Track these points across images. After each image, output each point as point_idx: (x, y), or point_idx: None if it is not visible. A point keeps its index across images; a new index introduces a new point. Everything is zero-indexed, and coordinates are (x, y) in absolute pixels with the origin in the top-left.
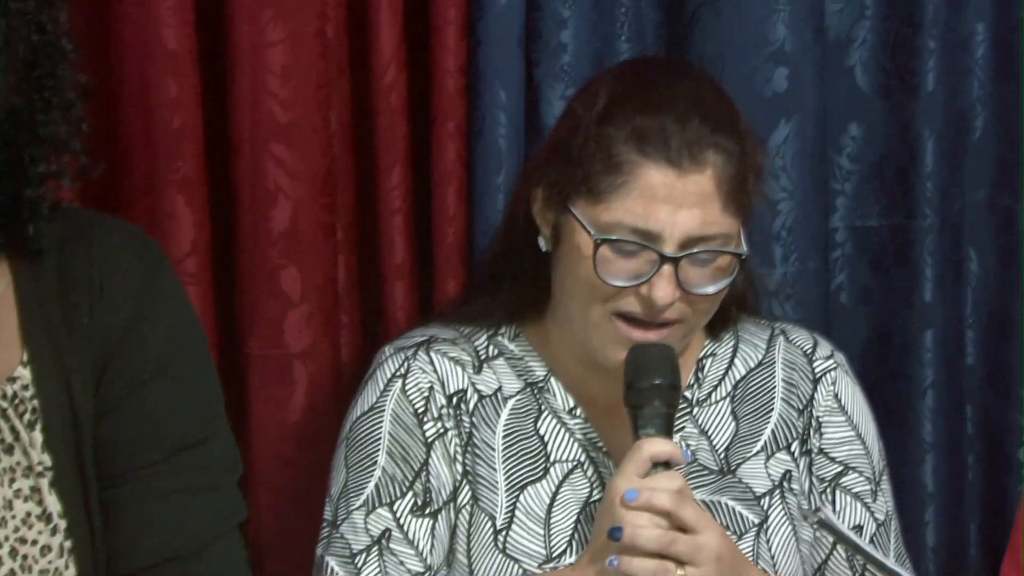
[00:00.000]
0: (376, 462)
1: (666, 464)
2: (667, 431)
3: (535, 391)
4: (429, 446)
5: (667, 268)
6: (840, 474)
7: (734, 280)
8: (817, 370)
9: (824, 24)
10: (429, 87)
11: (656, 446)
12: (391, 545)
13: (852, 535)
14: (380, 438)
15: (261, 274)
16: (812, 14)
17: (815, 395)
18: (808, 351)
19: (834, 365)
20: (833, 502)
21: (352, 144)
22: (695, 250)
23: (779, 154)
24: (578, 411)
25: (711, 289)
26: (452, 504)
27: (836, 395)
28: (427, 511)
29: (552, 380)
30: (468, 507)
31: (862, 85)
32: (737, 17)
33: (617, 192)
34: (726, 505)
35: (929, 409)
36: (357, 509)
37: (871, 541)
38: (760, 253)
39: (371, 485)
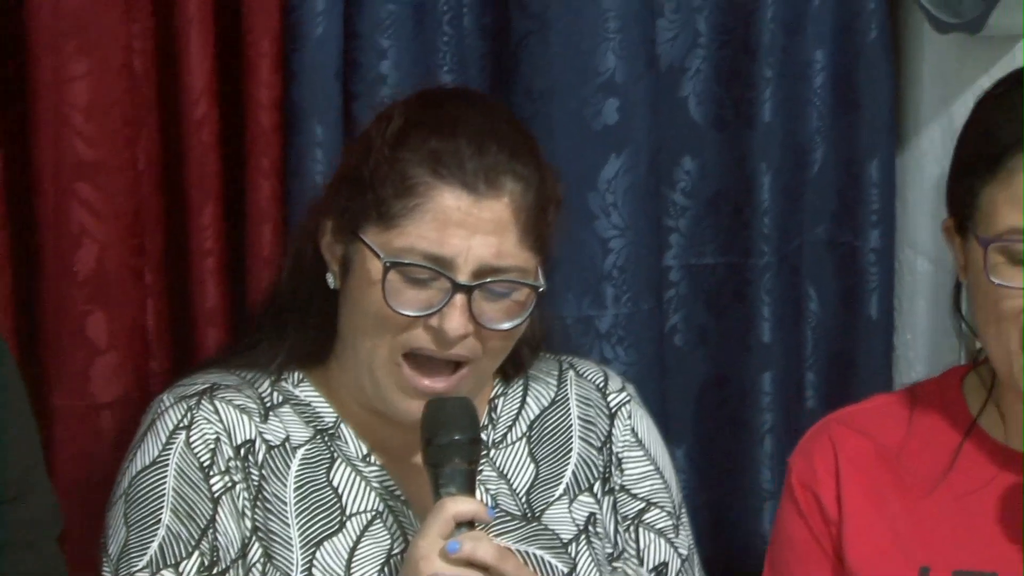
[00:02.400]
0: (160, 520)
1: (470, 523)
2: (469, 488)
3: (326, 438)
4: (216, 501)
5: (459, 298)
6: (643, 511)
7: (530, 325)
8: (612, 404)
9: (656, 53)
10: (243, 122)
11: (460, 505)
12: None
13: None
14: (164, 494)
15: (66, 320)
16: (644, 43)
17: (612, 430)
18: (600, 385)
19: (627, 398)
20: (637, 540)
21: (161, 183)
22: (489, 280)
23: (610, 189)
24: (372, 458)
25: (506, 325)
26: (241, 562)
27: (633, 429)
28: (215, 571)
29: (343, 427)
30: (260, 565)
31: (696, 117)
32: (565, 46)
33: (410, 216)
34: (535, 555)
35: (767, 455)
36: (140, 571)
37: None
38: (591, 294)
39: (154, 545)
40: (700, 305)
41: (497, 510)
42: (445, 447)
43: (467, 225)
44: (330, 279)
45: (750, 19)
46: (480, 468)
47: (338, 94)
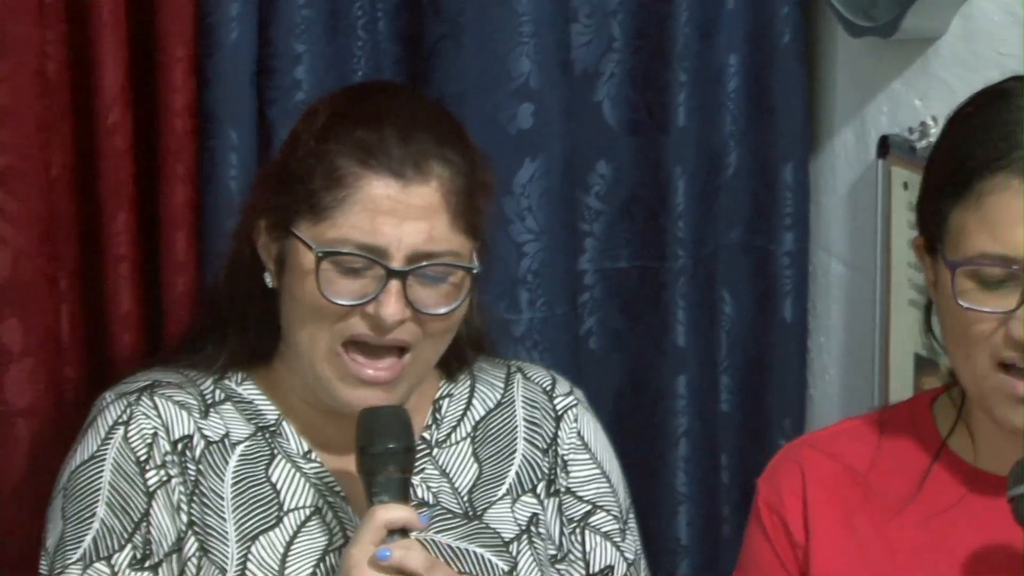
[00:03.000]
0: (95, 514)
1: (403, 531)
2: (403, 496)
3: (267, 436)
4: (151, 495)
5: (394, 284)
6: (588, 513)
7: (469, 318)
8: (559, 407)
9: (571, 58)
10: (156, 128)
11: (391, 513)
12: None
13: None
14: (100, 488)
15: None
16: (558, 47)
17: (558, 433)
18: (548, 388)
19: (574, 402)
20: (583, 543)
21: (75, 188)
22: (422, 264)
23: (524, 194)
24: (313, 455)
25: (443, 309)
26: (176, 556)
27: (579, 432)
28: (147, 564)
29: (285, 424)
30: (195, 559)
31: (610, 121)
32: (479, 51)
33: (340, 207)
34: (475, 553)
35: (682, 459)
36: (74, 564)
37: None
38: (506, 298)
39: (89, 538)
40: (615, 309)
41: (439, 508)
42: (379, 456)
43: (397, 212)
44: (268, 279)
45: (664, 24)
46: (423, 466)
47: (252, 99)
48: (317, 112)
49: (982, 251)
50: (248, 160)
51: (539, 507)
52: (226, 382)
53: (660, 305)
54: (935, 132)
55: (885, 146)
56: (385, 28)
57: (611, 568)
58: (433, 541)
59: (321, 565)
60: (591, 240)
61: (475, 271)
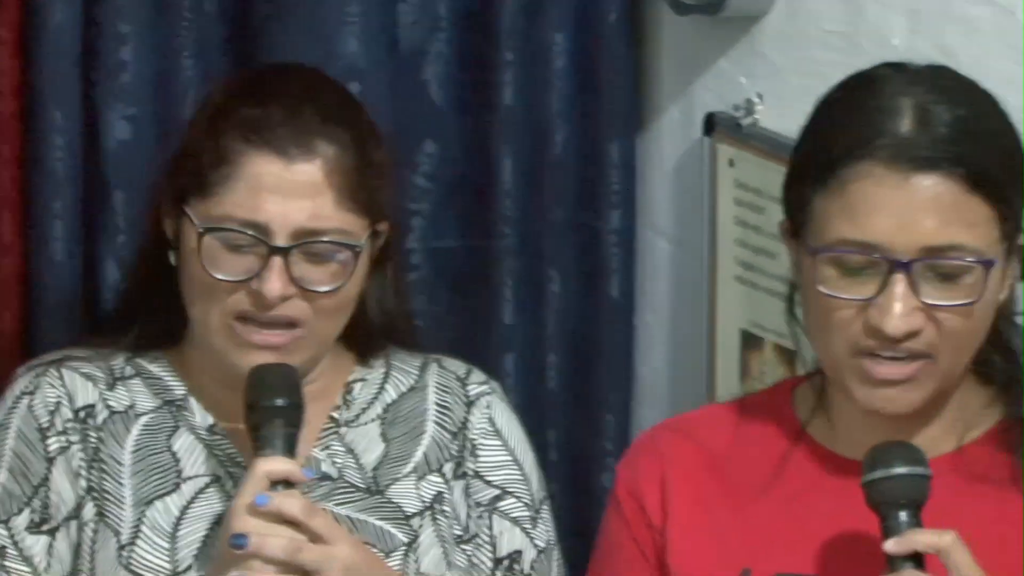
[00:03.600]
0: None
1: (287, 483)
2: (289, 451)
3: (173, 409)
4: (51, 461)
5: (276, 261)
6: (497, 498)
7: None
8: (471, 394)
9: (397, 37)
10: None
11: (272, 464)
12: (6, 563)
13: None
14: (3, 455)
15: None
16: (384, 27)
17: (469, 418)
18: (462, 376)
19: (489, 391)
20: (491, 526)
21: None
22: (305, 242)
23: None
24: (218, 427)
25: (328, 287)
26: (75, 520)
27: (491, 419)
28: (44, 528)
29: (191, 399)
30: (93, 523)
31: (437, 100)
32: (305, 30)
33: (225, 184)
34: (373, 524)
35: None
36: None
37: (532, 568)
38: None
39: None
40: (442, 288)
41: (341, 481)
42: (266, 411)
43: (280, 190)
44: (172, 257)
45: (490, 3)
46: (329, 443)
47: (77, 81)
48: (213, 92)
49: (844, 238)
50: (73, 142)
51: (445, 487)
52: (138, 359)
53: (487, 284)
54: (760, 109)
55: (711, 124)
56: (211, 8)
57: (519, 553)
58: (332, 512)
59: (215, 529)
60: (418, 219)
61: (359, 249)
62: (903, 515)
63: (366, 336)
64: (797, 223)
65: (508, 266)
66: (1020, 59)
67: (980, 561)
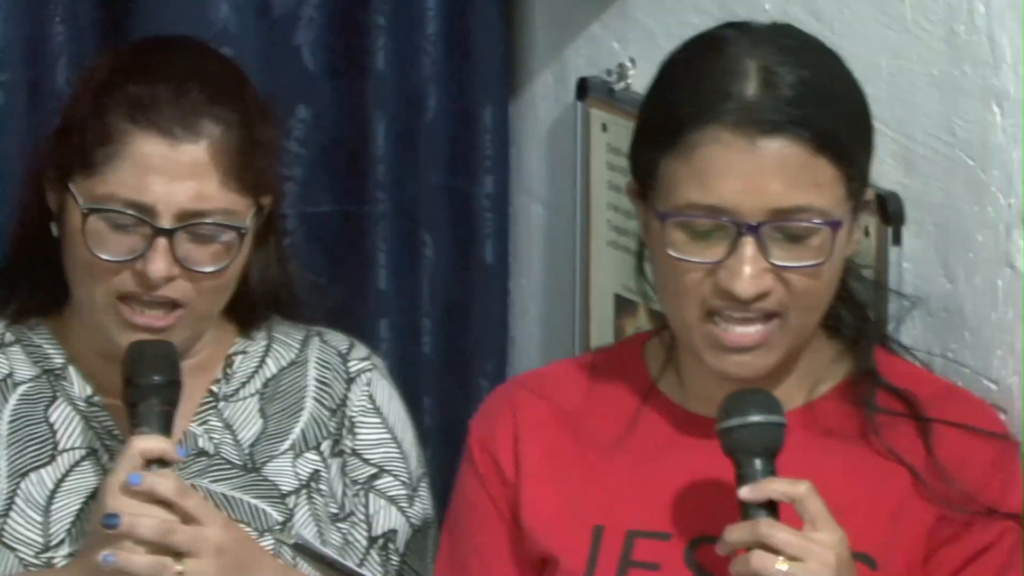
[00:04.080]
0: None
1: (161, 462)
2: (165, 429)
3: (51, 378)
4: None
5: (161, 242)
6: (374, 476)
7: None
8: (352, 370)
9: (269, 2)
10: None
11: (146, 442)
12: None
13: (331, 554)
14: None
15: None
16: None
17: (349, 395)
18: (344, 352)
19: (370, 367)
20: (367, 505)
21: None
22: (190, 223)
23: None
24: (96, 399)
25: (212, 267)
26: None
27: (371, 396)
28: None
29: (71, 369)
30: None
31: (310, 65)
32: None
33: (110, 163)
34: (248, 503)
35: None
36: None
37: (407, 547)
38: None
39: None
40: (316, 253)
41: (218, 458)
42: (143, 387)
43: (165, 171)
44: (54, 228)
45: None
46: (207, 417)
47: None
48: (98, 66)
49: (692, 202)
50: None
51: (322, 464)
52: (19, 326)
53: (361, 249)
54: (633, 74)
55: (584, 88)
56: None
57: (394, 532)
58: (207, 490)
59: (89, 504)
60: (292, 185)
61: (244, 231)
62: (758, 463)
63: (248, 307)
64: (645, 186)
65: (382, 231)
66: (893, 24)
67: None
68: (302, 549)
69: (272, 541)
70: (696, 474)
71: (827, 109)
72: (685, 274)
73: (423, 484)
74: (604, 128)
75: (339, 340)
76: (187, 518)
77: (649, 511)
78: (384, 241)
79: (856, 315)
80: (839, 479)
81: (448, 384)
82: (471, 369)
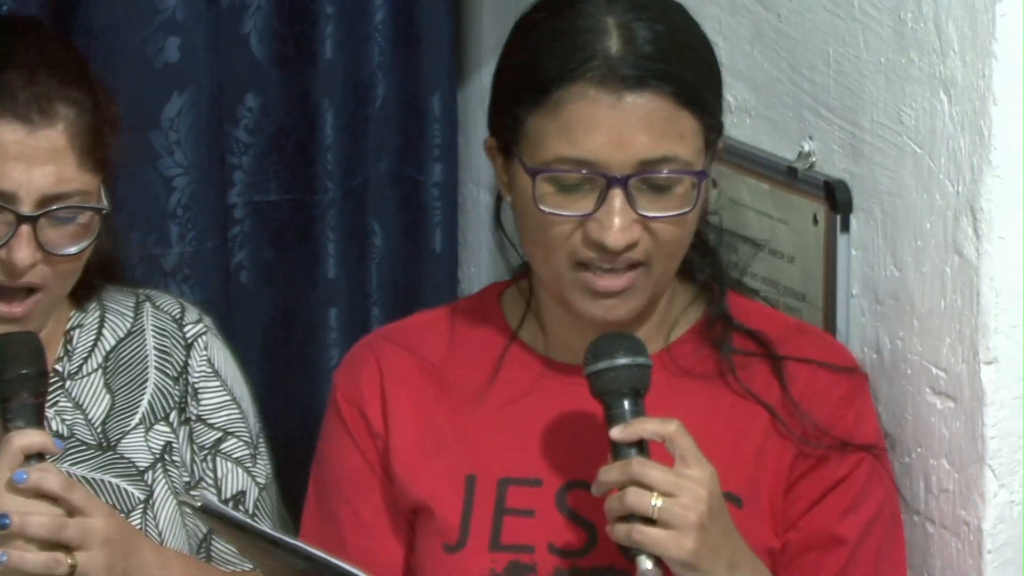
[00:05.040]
0: None
1: (39, 456)
2: (38, 421)
3: None
4: None
5: (25, 229)
6: (220, 440)
7: (96, 244)
8: (188, 335)
9: None
10: None
11: (26, 438)
12: None
13: (240, 516)
14: None
15: None
16: None
17: (189, 361)
18: (178, 316)
19: (204, 329)
20: (214, 469)
21: None
22: (53, 208)
23: (173, 128)
24: None
25: (73, 249)
26: None
27: (210, 360)
28: None
29: None
30: None
31: (258, 54)
32: None
33: None
34: (110, 483)
35: None
36: None
37: (255, 506)
38: (156, 232)
39: None
40: (265, 242)
41: (72, 440)
42: (12, 381)
43: (24, 157)
44: None
45: None
46: (56, 399)
47: None
48: None
49: (560, 156)
50: None
51: (172, 435)
52: None
53: (310, 238)
54: None
55: None
56: None
57: (243, 493)
58: (69, 473)
59: None
60: (240, 174)
61: (105, 210)
62: (627, 404)
63: (82, 280)
64: (508, 142)
65: (331, 220)
66: (840, 12)
67: None
68: (208, 511)
69: (137, 520)
70: (563, 420)
71: (686, 63)
72: (554, 227)
73: (261, 440)
74: None
75: (170, 304)
76: (72, 510)
77: (519, 459)
78: (333, 230)
79: (708, 260)
80: (701, 420)
81: None
82: None
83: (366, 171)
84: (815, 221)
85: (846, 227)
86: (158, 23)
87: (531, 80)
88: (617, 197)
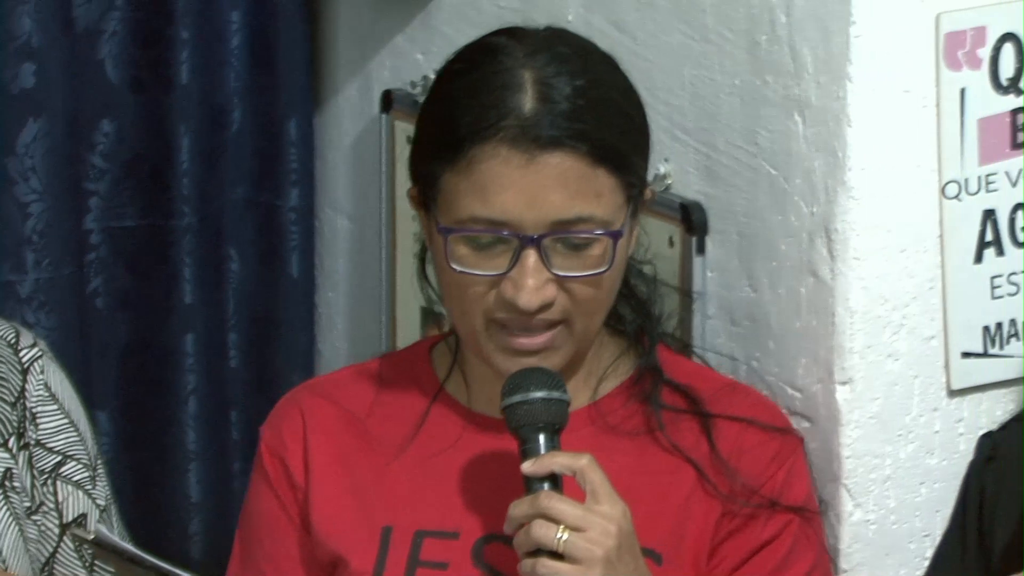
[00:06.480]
0: None
1: None
2: None
3: None
4: None
5: None
6: (59, 464)
7: None
8: (24, 360)
9: (72, 16)
10: None
11: None
12: None
13: (131, 548)
14: None
15: None
16: (60, 6)
17: (26, 386)
18: (12, 341)
19: (40, 353)
20: (55, 493)
21: None
22: None
23: (28, 154)
24: None
25: None
26: None
27: (47, 384)
28: None
29: None
30: None
31: (113, 79)
32: None
33: None
34: None
35: (192, 416)
36: None
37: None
38: (11, 259)
39: None
40: (121, 268)
41: None
42: None
43: None
44: None
45: None
46: None
47: None
48: None
49: (473, 215)
50: None
51: (12, 461)
52: None
53: (167, 263)
54: None
55: (388, 101)
56: None
57: (84, 516)
58: None
59: None
60: (96, 199)
61: None
62: (542, 439)
63: None
64: (426, 196)
65: (187, 245)
66: (695, 34)
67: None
68: (101, 544)
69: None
70: (484, 473)
71: (603, 120)
72: (469, 287)
73: (99, 462)
74: (409, 140)
75: (4, 329)
76: None
77: (437, 510)
78: (190, 255)
79: (638, 312)
80: (627, 476)
81: (255, 398)
82: (278, 383)
83: (223, 196)
84: (671, 243)
85: (702, 249)
86: (13, 49)
87: (445, 137)
88: (531, 257)
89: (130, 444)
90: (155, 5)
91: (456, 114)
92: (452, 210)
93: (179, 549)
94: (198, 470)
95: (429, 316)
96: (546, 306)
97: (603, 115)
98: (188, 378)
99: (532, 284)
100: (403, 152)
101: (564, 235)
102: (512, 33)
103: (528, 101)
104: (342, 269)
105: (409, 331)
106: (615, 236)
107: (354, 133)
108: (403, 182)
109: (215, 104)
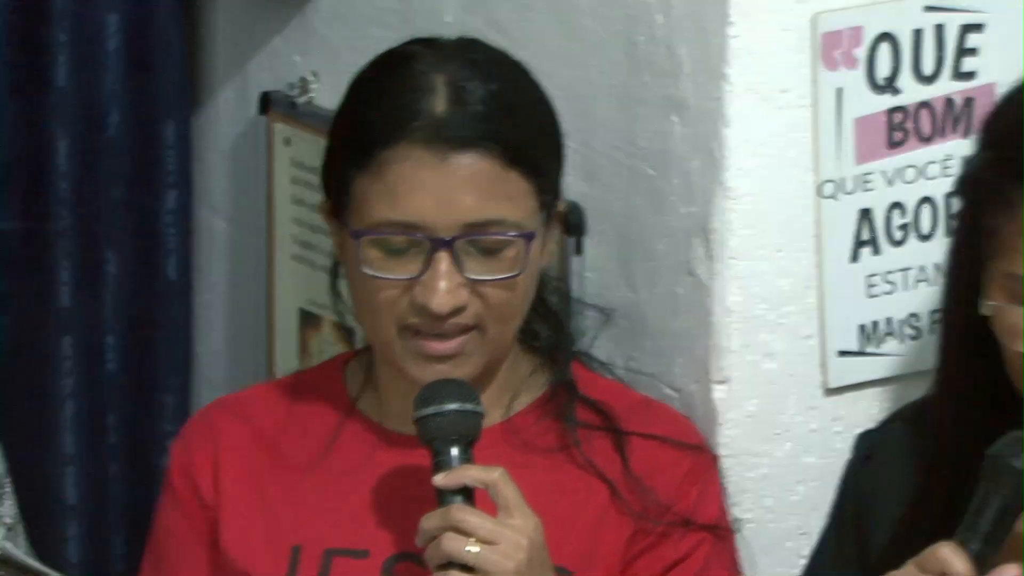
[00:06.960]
0: None
1: None
2: None
3: None
4: None
5: None
6: None
7: None
8: None
9: None
10: None
11: None
12: None
13: (38, 565)
14: None
15: None
16: None
17: None
18: None
19: None
20: None
21: None
22: None
23: None
24: None
25: None
26: None
27: None
28: None
29: None
30: None
31: None
32: None
33: None
34: None
35: (69, 420)
36: None
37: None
38: None
39: None
40: None
41: None
42: None
43: None
44: None
45: None
46: None
47: None
48: None
49: (385, 219)
50: None
51: None
52: None
53: (44, 266)
54: (315, 88)
55: (266, 102)
56: None
57: None
58: None
59: None
60: None
61: None
62: (455, 451)
63: None
64: (338, 204)
65: (64, 248)
66: (572, 35)
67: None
68: (7, 562)
69: None
70: (395, 491)
71: (517, 123)
72: (381, 291)
73: (8, 480)
74: (287, 142)
75: None
76: None
77: (347, 529)
78: (66, 258)
79: (553, 328)
80: (539, 493)
81: (133, 401)
82: (156, 385)
83: (100, 199)
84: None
85: (580, 250)
86: None
87: (357, 140)
88: (443, 260)
89: (6, 450)
90: (31, 8)
91: (367, 118)
92: (364, 214)
93: (56, 552)
94: (75, 474)
95: (307, 318)
96: (459, 310)
97: (517, 119)
98: (66, 381)
99: (444, 287)
100: (281, 154)
101: (477, 237)
102: (425, 42)
103: (440, 103)
104: (220, 271)
105: (287, 333)
106: (528, 237)
107: (232, 135)
108: (282, 185)
109: (92, 106)
